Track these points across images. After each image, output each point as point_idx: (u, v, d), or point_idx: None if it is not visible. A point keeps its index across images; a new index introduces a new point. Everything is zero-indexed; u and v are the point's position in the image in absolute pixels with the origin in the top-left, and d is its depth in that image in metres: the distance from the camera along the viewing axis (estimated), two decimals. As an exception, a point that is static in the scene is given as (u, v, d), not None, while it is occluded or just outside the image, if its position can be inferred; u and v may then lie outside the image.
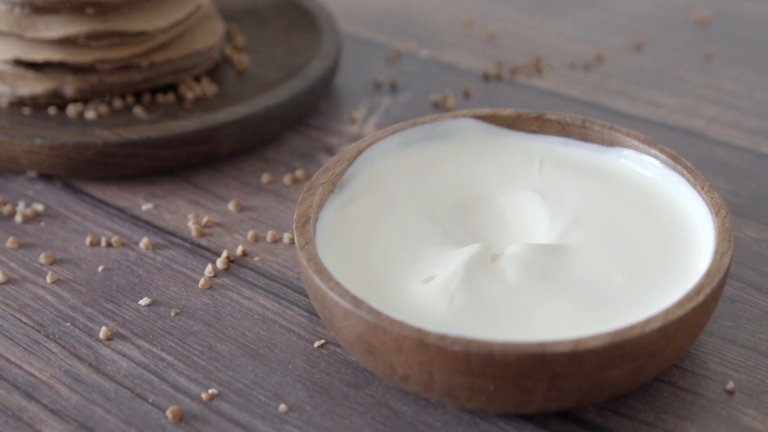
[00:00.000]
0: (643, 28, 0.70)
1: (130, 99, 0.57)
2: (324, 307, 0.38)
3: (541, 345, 0.34)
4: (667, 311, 0.35)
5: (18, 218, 0.50)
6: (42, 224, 0.50)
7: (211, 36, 0.60)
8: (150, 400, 0.39)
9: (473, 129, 0.47)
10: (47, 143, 0.50)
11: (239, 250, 0.47)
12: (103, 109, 0.56)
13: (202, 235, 0.49)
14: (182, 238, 0.49)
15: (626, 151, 0.45)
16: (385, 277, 0.40)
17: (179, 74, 0.58)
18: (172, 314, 0.44)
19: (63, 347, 0.42)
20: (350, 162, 0.44)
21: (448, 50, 0.67)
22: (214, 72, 0.61)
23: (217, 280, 0.46)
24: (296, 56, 0.61)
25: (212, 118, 0.53)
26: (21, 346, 0.42)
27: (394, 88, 0.62)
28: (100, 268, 0.47)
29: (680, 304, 0.36)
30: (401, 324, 0.35)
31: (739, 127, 0.57)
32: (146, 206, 0.51)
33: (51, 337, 0.43)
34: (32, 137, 0.51)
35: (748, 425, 0.38)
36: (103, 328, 0.43)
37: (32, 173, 0.53)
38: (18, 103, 0.56)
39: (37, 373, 0.41)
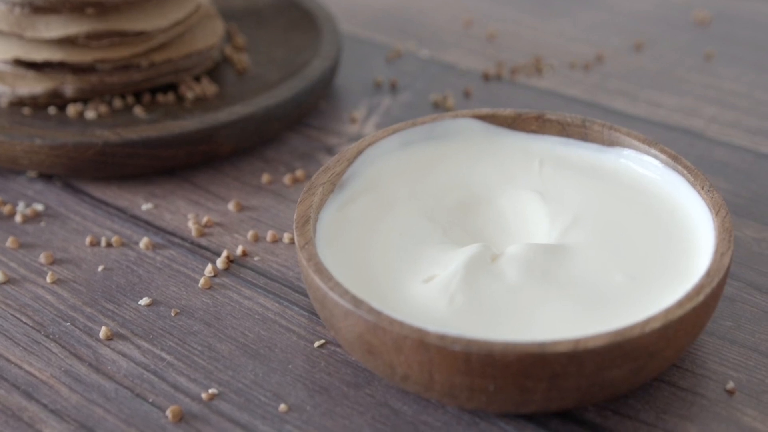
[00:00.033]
0: (643, 28, 0.70)
1: (130, 99, 0.57)
2: (324, 307, 0.38)
3: (541, 345, 0.34)
4: (667, 311, 0.35)
5: (18, 218, 0.50)
6: (42, 224, 0.50)
7: (211, 36, 0.60)
8: (150, 400, 0.39)
9: (473, 129, 0.47)
10: (47, 143, 0.50)
11: (239, 250, 0.47)
12: (103, 109, 0.56)
13: (202, 235, 0.49)
14: (182, 238, 0.49)
15: (626, 151, 0.45)
16: (385, 277, 0.40)
17: (179, 74, 0.58)
18: (172, 314, 0.44)
19: (63, 347, 0.42)
20: (350, 162, 0.44)
21: (448, 50, 0.67)
22: (214, 72, 0.61)
23: (217, 280, 0.46)
24: (296, 56, 0.61)
25: (212, 118, 0.53)
26: (21, 346, 0.42)
27: (394, 88, 0.62)
28: (100, 268, 0.47)
29: (680, 304, 0.36)
30: (401, 324, 0.35)
31: (739, 127, 0.57)
32: (146, 206, 0.51)
33: (51, 337, 0.43)
34: (32, 137, 0.51)
35: (748, 425, 0.38)
36: (103, 328, 0.43)
37: (32, 173, 0.53)
38: (18, 103, 0.56)
39: (37, 373, 0.41)
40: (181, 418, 0.38)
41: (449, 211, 0.44)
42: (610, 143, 0.46)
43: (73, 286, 0.46)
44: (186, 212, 0.51)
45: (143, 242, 0.48)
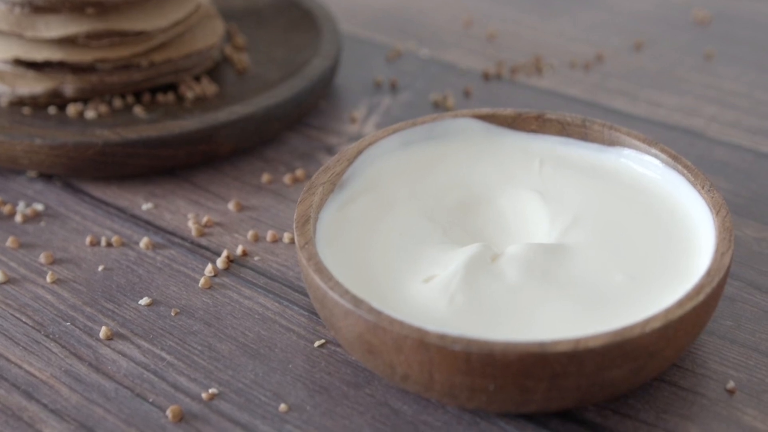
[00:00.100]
0: (643, 28, 0.70)
1: (130, 98, 0.57)
2: (324, 307, 0.38)
3: (542, 345, 0.34)
4: (668, 311, 0.35)
5: (18, 218, 0.50)
6: (42, 224, 0.50)
7: (211, 35, 0.60)
8: (150, 400, 0.39)
9: (473, 129, 0.47)
10: (47, 143, 0.50)
11: (239, 249, 0.47)
12: (103, 108, 0.56)
13: (202, 234, 0.49)
14: (182, 238, 0.49)
15: (626, 151, 0.45)
16: (385, 277, 0.40)
17: (179, 74, 0.58)
18: (172, 314, 0.44)
19: (63, 347, 0.42)
20: (350, 162, 0.44)
21: (448, 50, 0.67)
22: (214, 71, 0.61)
23: (217, 280, 0.46)
24: (296, 56, 0.61)
25: (212, 118, 0.53)
26: (21, 346, 0.42)
27: (394, 88, 0.62)
28: (100, 268, 0.47)
29: (680, 303, 0.36)
30: (401, 324, 0.35)
31: (739, 127, 0.57)
32: (146, 206, 0.51)
33: (51, 336, 0.43)
34: (32, 137, 0.51)
35: (749, 425, 0.38)
36: (103, 328, 0.43)
37: (32, 173, 0.53)
38: (18, 103, 0.56)
39: (37, 373, 0.41)
40: (181, 417, 0.38)
41: (449, 211, 0.44)
42: (610, 143, 0.46)
43: (73, 286, 0.46)
44: (186, 212, 0.51)
45: (143, 242, 0.48)
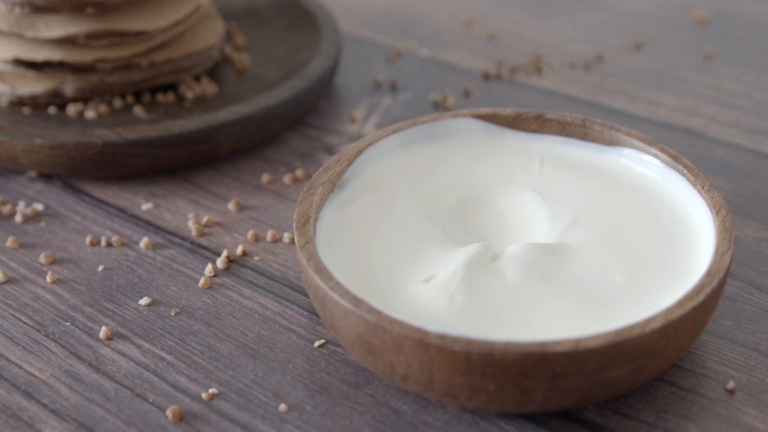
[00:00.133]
0: (643, 28, 0.70)
1: (130, 98, 0.57)
2: (324, 307, 0.38)
3: (542, 345, 0.34)
4: (668, 311, 0.35)
5: (18, 218, 0.50)
6: (42, 224, 0.50)
7: (211, 35, 0.60)
8: (150, 400, 0.39)
9: (473, 128, 0.47)
10: (47, 143, 0.50)
11: (239, 249, 0.47)
12: (103, 108, 0.56)
13: (202, 234, 0.49)
14: (182, 238, 0.49)
15: (626, 151, 0.45)
16: (385, 277, 0.40)
17: (179, 74, 0.58)
18: (172, 314, 0.44)
19: (63, 347, 0.42)
20: (350, 161, 0.44)
21: (448, 50, 0.67)
22: (214, 71, 0.61)
23: (217, 280, 0.46)
24: (296, 56, 0.61)
25: (212, 118, 0.53)
26: (21, 346, 0.42)
27: (394, 88, 0.62)
28: (100, 268, 0.47)
29: (680, 303, 0.36)
30: (401, 323, 0.35)
31: (739, 127, 0.57)
32: (146, 206, 0.51)
33: (51, 336, 0.43)
34: (32, 137, 0.51)
35: (749, 424, 0.38)
36: (103, 328, 0.43)
37: (32, 173, 0.53)
38: (18, 103, 0.56)
39: (37, 373, 0.41)
40: (181, 417, 0.38)
41: (449, 210, 0.44)
42: (611, 143, 0.46)
43: (73, 286, 0.46)
44: (186, 212, 0.51)
45: (143, 242, 0.48)
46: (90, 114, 0.56)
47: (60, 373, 0.41)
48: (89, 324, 0.43)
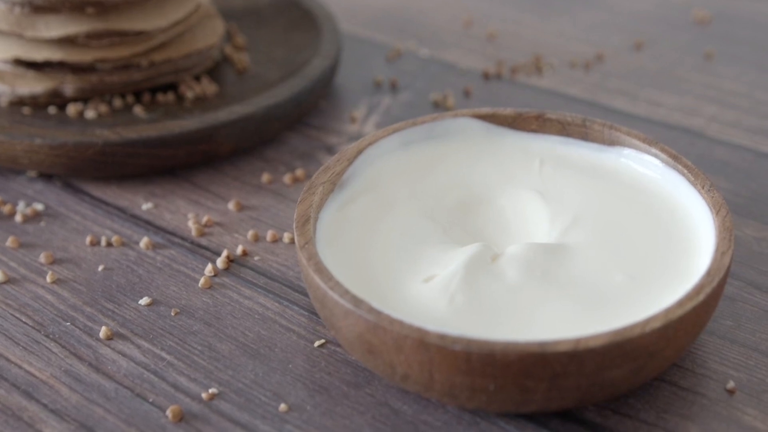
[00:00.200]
0: (643, 27, 0.70)
1: (130, 98, 0.57)
2: (324, 307, 0.38)
3: (542, 345, 0.34)
4: (668, 311, 0.35)
5: (18, 218, 0.50)
6: (42, 224, 0.50)
7: (211, 35, 0.60)
8: (150, 400, 0.39)
9: (473, 128, 0.47)
10: (47, 143, 0.50)
11: (239, 249, 0.47)
12: (103, 108, 0.56)
13: (202, 234, 0.49)
14: (182, 238, 0.49)
15: (626, 151, 0.45)
16: (385, 277, 0.40)
17: (179, 73, 0.58)
18: (172, 314, 0.44)
19: (63, 347, 0.42)
20: (350, 161, 0.44)
21: (448, 50, 0.67)
22: (214, 71, 0.61)
23: (217, 280, 0.46)
24: (296, 55, 0.61)
25: (212, 118, 0.53)
26: (21, 346, 0.42)
27: (394, 88, 0.62)
28: (100, 268, 0.47)
29: (680, 303, 0.36)
30: (401, 323, 0.35)
31: (739, 127, 0.57)
32: (146, 206, 0.51)
33: (51, 336, 0.43)
34: (32, 137, 0.51)
35: (749, 424, 0.38)
36: (103, 328, 0.43)
37: (32, 173, 0.53)
38: (18, 103, 0.56)
39: (37, 373, 0.41)
40: (181, 417, 0.38)
41: (449, 210, 0.44)
42: (611, 143, 0.46)
43: (73, 286, 0.46)
44: (186, 212, 0.51)
45: (143, 242, 0.48)
46: (90, 114, 0.56)
47: (60, 373, 0.41)
48: (89, 324, 0.43)
